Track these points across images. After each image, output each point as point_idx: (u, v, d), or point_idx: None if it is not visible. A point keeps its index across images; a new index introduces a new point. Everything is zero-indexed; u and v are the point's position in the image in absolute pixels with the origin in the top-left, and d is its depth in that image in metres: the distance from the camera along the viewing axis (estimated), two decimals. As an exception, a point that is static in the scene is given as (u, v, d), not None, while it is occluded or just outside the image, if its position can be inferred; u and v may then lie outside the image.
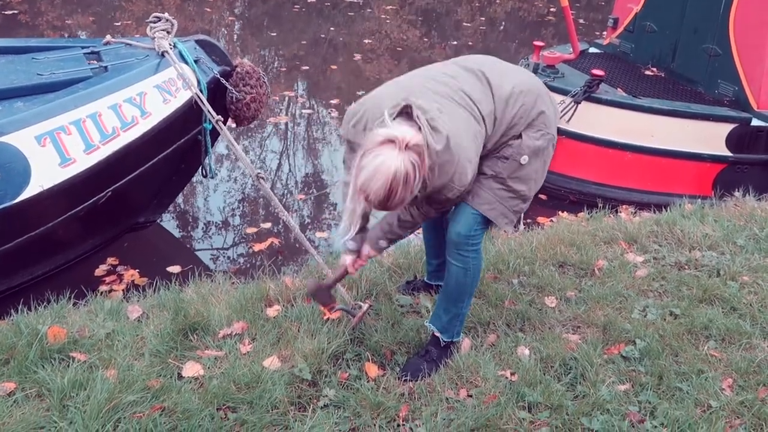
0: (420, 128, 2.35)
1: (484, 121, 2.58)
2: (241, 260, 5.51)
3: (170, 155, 4.67)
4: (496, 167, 2.70)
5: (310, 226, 6.06)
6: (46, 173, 3.85)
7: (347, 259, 2.91)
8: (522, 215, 2.89)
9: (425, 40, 12.76)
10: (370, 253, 2.89)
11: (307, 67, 9.92)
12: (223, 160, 7.10)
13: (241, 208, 6.33)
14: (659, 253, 4.10)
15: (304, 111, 8.85)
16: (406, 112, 2.39)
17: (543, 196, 6.30)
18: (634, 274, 3.83)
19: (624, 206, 5.60)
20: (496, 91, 2.63)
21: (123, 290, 4.45)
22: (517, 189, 2.72)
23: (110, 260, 4.89)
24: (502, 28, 14.41)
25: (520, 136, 2.67)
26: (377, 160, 2.25)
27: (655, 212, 4.82)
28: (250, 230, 5.71)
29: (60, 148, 3.91)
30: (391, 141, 2.26)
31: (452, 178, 2.50)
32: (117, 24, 11.51)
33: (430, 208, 2.73)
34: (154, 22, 4.63)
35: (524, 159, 2.67)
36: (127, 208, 4.85)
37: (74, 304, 3.43)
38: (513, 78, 2.70)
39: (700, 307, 3.50)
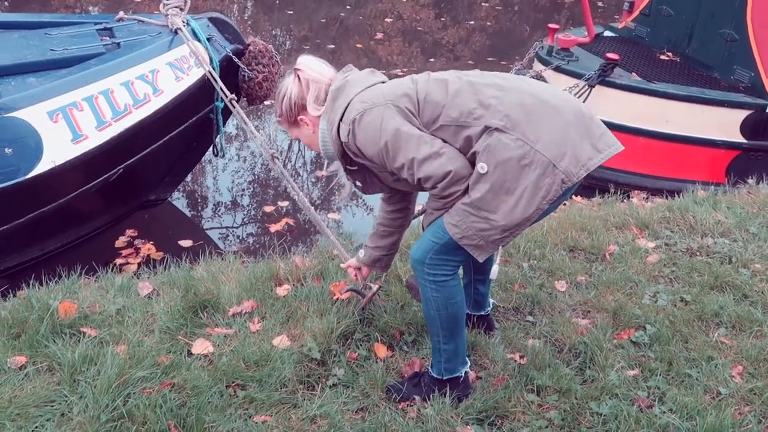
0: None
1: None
2: (251, 240, 5.52)
3: (182, 133, 4.67)
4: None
5: (319, 207, 6.06)
6: (58, 149, 3.85)
7: None
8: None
9: (442, 19, 12.68)
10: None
11: (331, 47, 9.87)
12: (234, 139, 7.10)
13: (252, 188, 6.34)
14: (671, 239, 4.08)
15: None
16: None
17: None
18: (645, 259, 3.81)
19: (636, 192, 5.58)
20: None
21: (138, 264, 4.48)
22: (478, 206, 2.29)
23: (129, 232, 4.93)
24: (516, 9, 14.29)
25: (487, 132, 2.26)
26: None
27: (667, 198, 4.80)
28: (261, 209, 5.72)
29: (72, 124, 3.92)
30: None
31: (345, 112, 2.38)
32: (137, 0, 11.48)
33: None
34: (167, -1, 4.61)
35: (482, 167, 2.25)
36: (139, 185, 4.87)
37: (86, 278, 3.45)
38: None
39: (711, 294, 3.48)
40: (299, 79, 2.51)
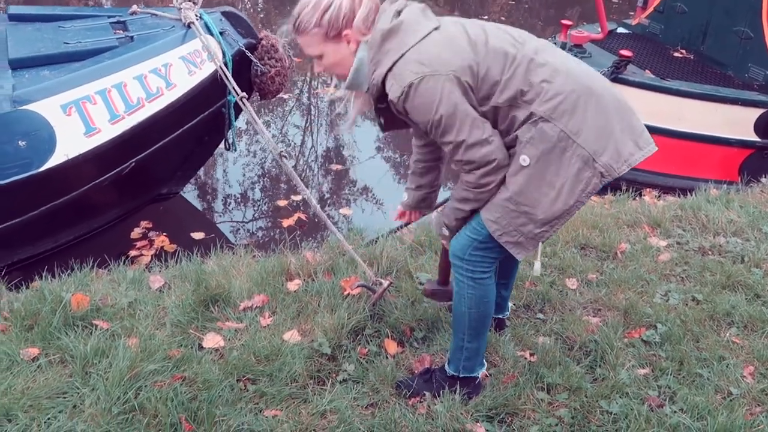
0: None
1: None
2: (262, 234, 5.53)
3: (194, 127, 4.68)
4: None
5: (330, 202, 6.06)
6: (71, 142, 3.87)
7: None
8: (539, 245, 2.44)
9: (455, 14, 12.64)
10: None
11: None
12: (245, 134, 7.11)
13: (262, 182, 6.35)
14: (683, 237, 4.06)
15: (327, 86, 8.82)
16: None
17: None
18: (656, 258, 3.80)
19: (648, 190, 5.55)
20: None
21: (152, 256, 4.50)
22: (518, 201, 2.30)
23: (144, 224, 4.99)
24: (528, 4, 14.23)
25: (531, 120, 2.25)
26: None
27: (679, 196, 4.77)
28: (272, 204, 5.73)
29: (85, 117, 3.93)
30: None
31: (396, 63, 2.25)
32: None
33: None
34: (181, -7, 4.61)
35: (524, 159, 2.26)
36: (151, 179, 4.88)
37: (98, 271, 3.47)
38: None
39: (723, 294, 3.46)
40: None
